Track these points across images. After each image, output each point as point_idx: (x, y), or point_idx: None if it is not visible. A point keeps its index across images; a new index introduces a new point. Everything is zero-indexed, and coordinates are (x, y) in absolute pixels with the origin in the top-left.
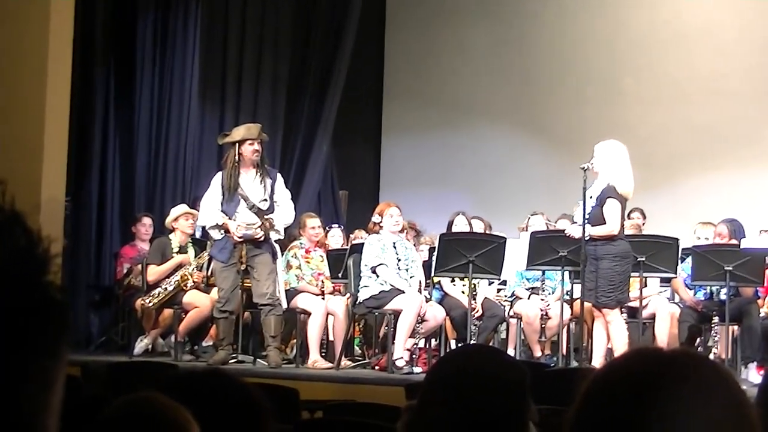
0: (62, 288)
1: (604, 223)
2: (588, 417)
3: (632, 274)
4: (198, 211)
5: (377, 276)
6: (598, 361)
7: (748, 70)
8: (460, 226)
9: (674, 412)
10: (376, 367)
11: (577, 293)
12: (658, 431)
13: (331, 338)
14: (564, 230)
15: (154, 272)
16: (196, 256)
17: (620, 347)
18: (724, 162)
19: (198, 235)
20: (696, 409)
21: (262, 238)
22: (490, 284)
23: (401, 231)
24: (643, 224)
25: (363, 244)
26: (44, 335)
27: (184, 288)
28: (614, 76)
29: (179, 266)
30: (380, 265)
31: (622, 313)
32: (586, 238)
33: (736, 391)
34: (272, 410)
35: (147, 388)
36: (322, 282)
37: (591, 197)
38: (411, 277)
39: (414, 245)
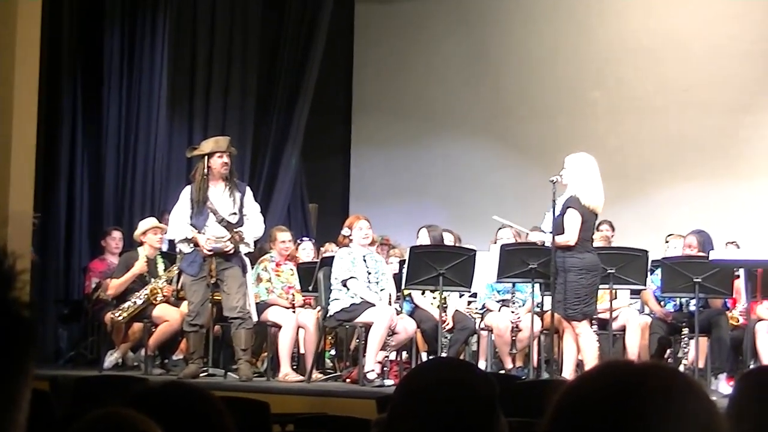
0: (29, 304)
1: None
2: (560, 429)
3: (602, 286)
4: (167, 224)
5: (348, 289)
6: (568, 373)
7: (717, 81)
8: (422, 239)
9: (647, 426)
10: (348, 380)
11: (547, 305)
12: None
13: (302, 351)
14: (535, 242)
15: (113, 285)
16: (165, 270)
17: (590, 359)
18: (694, 173)
19: (165, 248)
20: (669, 423)
21: (231, 251)
22: (460, 296)
23: (371, 244)
24: (612, 236)
25: (333, 257)
26: (10, 353)
27: (154, 302)
28: (584, 87)
29: (141, 276)
30: (350, 278)
31: (591, 325)
32: (549, 247)
33: (707, 404)
34: (235, 423)
35: (115, 403)
36: (293, 295)
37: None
38: (381, 290)
39: (386, 257)
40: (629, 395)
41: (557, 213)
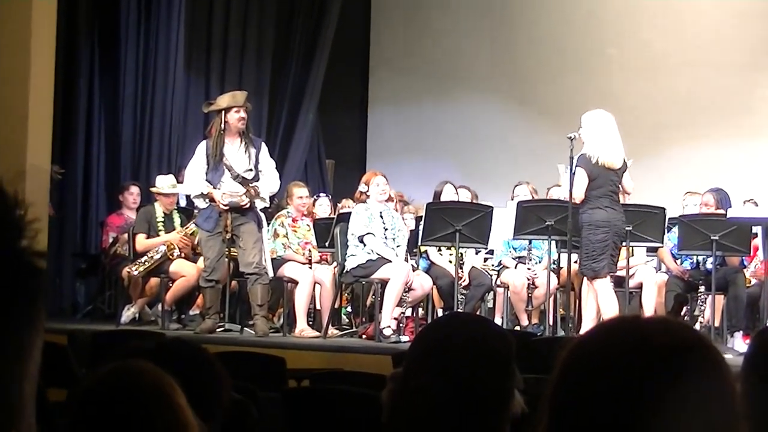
0: (40, 253)
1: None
2: (568, 385)
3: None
4: (182, 180)
5: (364, 245)
6: (586, 329)
7: (732, 40)
8: (448, 195)
9: (652, 383)
10: (363, 336)
11: (564, 262)
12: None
13: (318, 307)
14: (554, 200)
15: (142, 243)
16: (182, 225)
17: (610, 316)
18: (710, 131)
19: (183, 203)
20: (675, 379)
21: (247, 206)
22: (477, 253)
23: (388, 200)
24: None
25: (350, 213)
26: (20, 301)
27: (171, 257)
28: (599, 46)
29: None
30: (367, 234)
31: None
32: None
33: (716, 360)
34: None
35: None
36: (309, 251)
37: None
38: (398, 246)
39: (401, 213)
40: (635, 351)
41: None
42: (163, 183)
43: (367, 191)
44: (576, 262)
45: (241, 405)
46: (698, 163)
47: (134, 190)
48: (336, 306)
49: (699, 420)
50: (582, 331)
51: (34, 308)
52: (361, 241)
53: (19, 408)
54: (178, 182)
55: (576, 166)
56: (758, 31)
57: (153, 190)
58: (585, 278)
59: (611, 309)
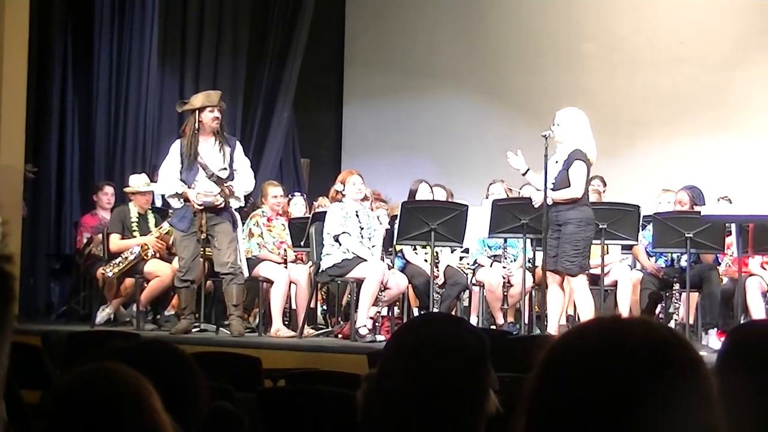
0: (6, 257)
1: (569, 186)
2: (546, 383)
3: (594, 241)
4: (156, 180)
5: (339, 245)
6: (553, 328)
7: (710, 36)
8: (423, 194)
9: (633, 382)
10: (339, 336)
11: (539, 260)
12: (615, 398)
13: (293, 307)
14: (529, 197)
15: (117, 244)
16: (156, 225)
17: (586, 314)
18: (686, 128)
19: (159, 204)
20: (655, 377)
21: (222, 206)
22: (452, 252)
23: (363, 200)
24: (604, 191)
25: (325, 212)
26: None
27: (145, 257)
28: (576, 41)
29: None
30: (343, 233)
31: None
32: (549, 203)
33: (694, 358)
34: (228, 377)
35: (104, 358)
36: (285, 250)
37: (556, 162)
38: (373, 246)
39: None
40: (615, 352)
41: (560, 168)
42: (137, 182)
43: (343, 190)
44: (554, 258)
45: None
46: (673, 159)
47: (108, 190)
48: (312, 305)
49: (680, 418)
50: (549, 330)
51: (2, 313)
52: (337, 241)
53: None
54: (152, 182)
55: (574, 160)
56: (735, 28)
57: (127, 190)
58: (554, 276)
59: (588, 307)
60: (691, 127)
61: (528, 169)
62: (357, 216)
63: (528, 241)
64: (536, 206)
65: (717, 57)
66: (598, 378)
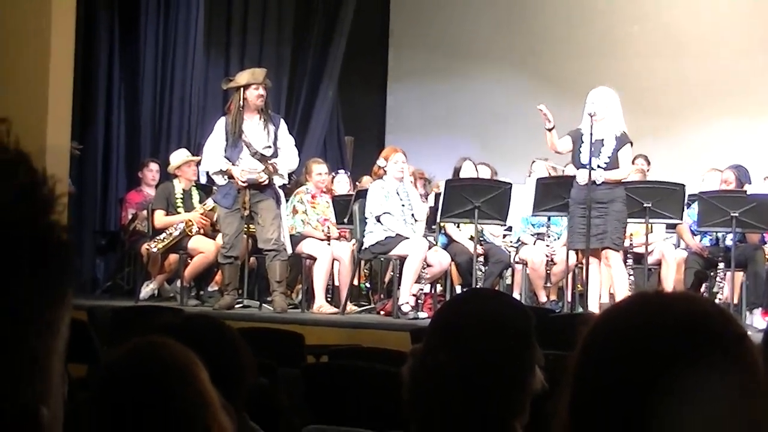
0: (68, 228)
1: (618, 168)
2: (589, 360)
3: (638, 220)
4: (201, 156)
5: (381, 224)
6: (595, 305)
7: (751, 21)
8: (467, 171)
9: (676, 355)
10: (382, 312)
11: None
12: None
13: (336, 283)
14: (573, 176)
15: (161, 220)
16: (200, 202)
17: (623, 291)
18: (731, 109)
19: (203, 180)
20: (698, 351)
21: (266, 183)
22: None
23: (414, 183)
24: (648, 170)
25: (368, 189)
26: (48, 276)
27: (189, 233)
28: (618, 24)
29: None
30: (384, 214)
31: (626, 259)
32: (599, 183)
33: (737, 332)
34: (254, 360)
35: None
36: (328, 227)
37: (601, 142)
38: (416, 222)
39: (426, 193)
40: (657, 326)
41: (612, 147)
42: (178, 158)
43: (386, 166)
44: (599, 235)
45: (266, 389)
46: (718, 141)
47: (153, 166)
48: (354, 282)
49: (723, 393)
50: (591, 307)
51: (62, 283)
52: (378, 221)
53: (48, 384)
54: (197, 161)
55: (624, 143)
56: None
57: (170, 168)
58: (594, 256)
59: (626, 284)
60: (736, 107)
61: (554, 127)
62: (398, 194)
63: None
64: (581, 184)
65: (759, 41)
66: (639, 354)
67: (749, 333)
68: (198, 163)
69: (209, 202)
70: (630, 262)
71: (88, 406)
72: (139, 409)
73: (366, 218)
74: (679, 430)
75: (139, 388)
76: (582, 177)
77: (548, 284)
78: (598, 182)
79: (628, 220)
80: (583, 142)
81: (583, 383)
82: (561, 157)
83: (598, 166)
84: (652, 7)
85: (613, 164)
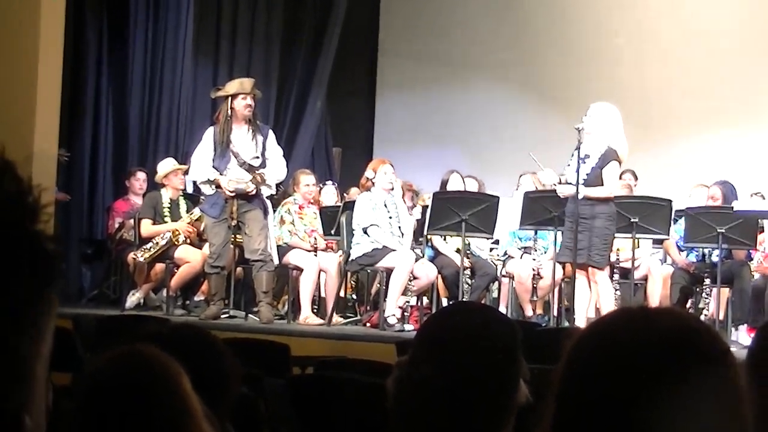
0: (53, 237)
1: (601, 185)
2: (573, 375)
3: (625, 235)
4: (188, 165)
5: (368, 236)
6: (581, 320)
7: (742, 32)
8: (455, 184)
9: (660, 370)
10: (368, 324)
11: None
12: (642, 389)
13: (323, 295)
14: (556, 192)
15: (148, 229)
16: (187, 211)
17: (609, 306)
18: (719, 123)
19: (190, 190)
20: (682, 366)
21: (253, 193)
22: (491, 245)
23: (403, 196)
24: (635, 186)
25: (355, 201)
26: (34, 283)
27: (176, 243)
28: (608, 35)
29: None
30: (371, 226)
31: (612, 274)
32: (580, 198)
33: (722, 348)
34: (256, 364)
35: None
36: (315, 239)
37: (587, 157)
38: (403, 235)
39: (413, 205)
40: (641, 340)
41: (594, 163)
42: (165, 167)
43: (374, 178)
44: (581, 251)
45: (248, 399)
46: (706, 155)
47: (141, 175)
48: (341, 294)
49: (707, 407)
50: (578, 322)
51: (48, 291)
52: (365, 232)
53: (31, 390)
54: (185, 169)
55: (610, 160)
56: None
57: (157, 178)
58: (581, 270)
59: (611, 301)
60: (724, 121)
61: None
62: (385, 206)
63: (558, 233)
64: (563, 197)
65: (750, 53)
66: (623, 370)
67: (734, 349)
68: (185, 172)
69: (196, 212)
70: (617, 276)
71: (71, 414)
72: (122, 418)
73: (353, 230)
74: None
75: (122, 397)
76: (560, 190)
77: (535, 298)
78: (579, 197)
79: (616, 234)
80: (572, 156)
81: (567, 398)
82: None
83: (582, 183)
84: (641, 17)
85: (593, 180)
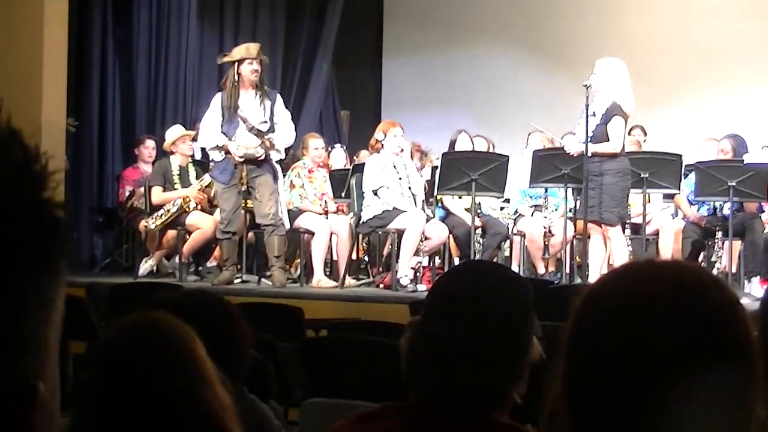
0: (61, 204)
1: (608, 141)
2: (583, 331)
3: (635, 190)
4: (196, 131)
5: (379, 198)
6: (595, 277)
7: None
8: (463, 144)
9: (667, 323)
10: (380, 286)
11: (579, 210)
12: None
13: (335, 258)
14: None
15: (159, 196)
16: (197, 178)
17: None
18: (727, 77)
19: (199, 156)
20: (689, 317)
21: (262, 158)
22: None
23: (412, 158)
24: (644, 141)
25: (365, 163)
26: (43, 251)
27: (187, 209)
28: None
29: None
30: (381, 187)
31: (624, 230)
32: (589, 155)
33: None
34: (253, 334)
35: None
36: (326, 202)
37: (593, 114)
38: (414, 195)
39: (421, 166)
40: (648, 293)
41: (598, 120)
42: (173, 134)
43: (383, 140)
44: (592, 208)
45: (258, 363)
46: (715, 109)
47: (150, 143)
48: (353, 256)
49: (715, 360)
50: (590, 279)
51: (58, 257)
52: (376, 194)
53: (43, 357)
54: (194, 136)
55: (613, 115)
56: None
57: (165, 146)
58: (596, 226)
59: (625, 256)
60: (733, 76)
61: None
62: (395, 167)
63: (569, 190)
64: (573, 155)
65: (758, 7)
66: (630, 319)
67: (748, 301)
68: (193, 138)
69: (206, 178)
70: (628, 232)
71: (87, 382)
72: (137, 386)
73: (363, 192)
74: (673, 408)
75: (136, 364)
76: (568, 147)
77: (546, 255)
78: (588, 154)
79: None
80: (582, 114)
81: (576, 355)
82: (555, 126)
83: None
84: None
85: (599, 137)
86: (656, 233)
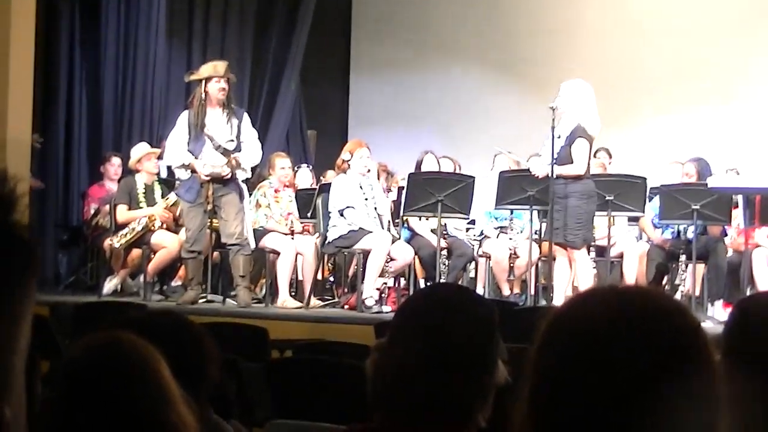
0: (29, 227)
1: (572, 163)
2: (548, 355)
3: (600, 213)
4: (162, 149)
5: (345, 218)
6: (559, 300)
7: (712, 8)
8: (429, 164)
9: (632, 348)
10: (346, 307)
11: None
12: (616, 368)
13: (300, 278)
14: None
15: (124, 215)
16: (163, 196)
17: (586, 286)
18: (693, 99)
19: (164, 174)
20: (654, 343)
21: (228, 176)
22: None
23: (372, 173)
24: (610, 163)
25: (331, 183)
26: (12, 275)
27: (152, 228)
28: (580, 11)
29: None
30: (347, 207)
31: (589, 252)
32: (554, 177)
33: (692, 324)
34: (234, 348)
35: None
36: (291, 222)
37: (559, 136)
38: (379, 215)
39: (387, 187)
40: (612, 319)
41: (563, 142)
42: (138, 152)
43: (350, 160)
44: (557, 230)
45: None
46: (680, 131)
47: (115, 161)
48: (318, 277)
49: (678, 384)
50: (556, 301)
51: (25, 281)
52: (342, 215)
53: (8, 380)
54: (159, 154)
55: (577, 137)
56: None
57: (131, 164)
58: (561, 248)
59: (590, 279)
60: (697, 98)
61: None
62: (361, 188)
63: (534, 212)
64: (539, 177)
65: (720, 28)
66: (594, 345)
67: (711, 324)
68: (159, 156)
69: (172, 197)
70: (592, 254)
71: (50, 402)
72: (101, 405)
73: (330, 212)
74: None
75: (100, 384)
76: (534, 168)
77: (512, 277)
78: (554, 176)
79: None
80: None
81: (542, 378)
82: (522, 147)
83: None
84: None
85: (564, 159)
86: (621, 256)
